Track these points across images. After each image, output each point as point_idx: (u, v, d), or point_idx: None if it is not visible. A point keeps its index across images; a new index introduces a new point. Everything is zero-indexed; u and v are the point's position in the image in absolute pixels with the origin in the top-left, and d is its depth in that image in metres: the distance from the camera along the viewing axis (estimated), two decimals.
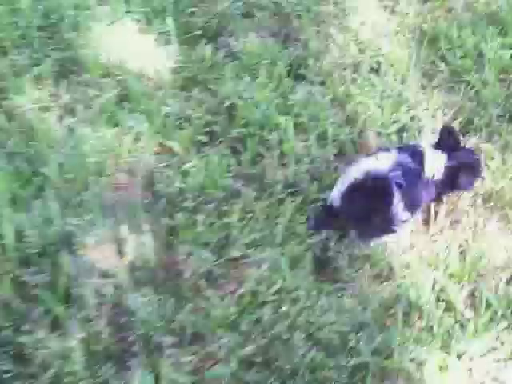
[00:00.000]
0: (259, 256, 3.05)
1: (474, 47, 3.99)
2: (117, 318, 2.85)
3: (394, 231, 3.05)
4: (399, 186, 2.92)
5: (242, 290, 2.95)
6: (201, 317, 2.85)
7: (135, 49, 3.85)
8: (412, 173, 2.97)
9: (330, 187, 3.15)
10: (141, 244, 3.05)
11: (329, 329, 2.83)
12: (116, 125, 3.50)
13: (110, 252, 3.03)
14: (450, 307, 2.95)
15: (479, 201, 3.30)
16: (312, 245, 3.10)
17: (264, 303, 2.92)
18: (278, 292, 2.94)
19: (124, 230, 3.07)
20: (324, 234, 3.12)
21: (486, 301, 2.94)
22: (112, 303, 2.88)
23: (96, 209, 3.14)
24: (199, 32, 4.03)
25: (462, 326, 2.88)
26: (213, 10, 4.15)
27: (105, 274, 2.95)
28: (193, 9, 4.13)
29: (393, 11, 4.26)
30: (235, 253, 3.07)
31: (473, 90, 3.80)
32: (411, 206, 3.00)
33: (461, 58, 3.93)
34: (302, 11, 4.15)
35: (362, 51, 3.97)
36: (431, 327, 2.88)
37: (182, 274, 3.00)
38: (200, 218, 3.14)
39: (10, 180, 3.21)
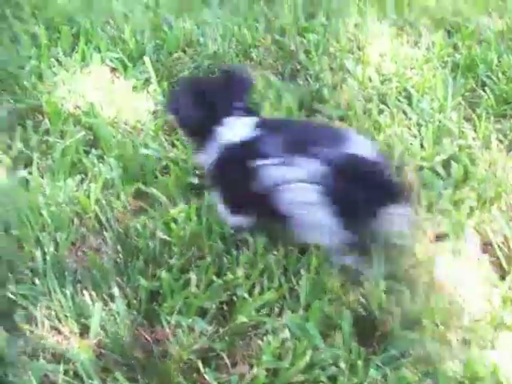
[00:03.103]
0: (276, 322, 2.14)
1: None
2: None
3: None
4: None
5: (255, 371, 2.04)
6: None
7: (107, 94, 3.18)
8: None
9: None
10: (111, 315, 2.14)
11: None
12: (81, 173, 2.65)
13: (68, 327, 2.19)
14: None
15: None
16: (350, 302, 2.19)
17: None
18: (308, 368, 2.03)
19: (88, 297, 2.20)
20: (365, 286, 2.23)
21: None
22: None
23: (51, 272, 2.31)
24: (186, 74, 3.28)
25: None
26: (203, 53, 3.41)
27: (58, 357, 2.10)
28: (179, 53, 3.41)
29: (416, 44, 3.52)
30: (242, 320, 2.14)
31: None
32: None
33: (506, 84, 3.18)
34: (309, 47, 3.40)
35: (385, 83, 3.19)
36: None
37: (169, 354, 2.07)
38: (192, 277, 2.24)
39: None
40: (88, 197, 2.58)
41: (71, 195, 2.59)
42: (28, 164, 2.80)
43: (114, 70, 3.38)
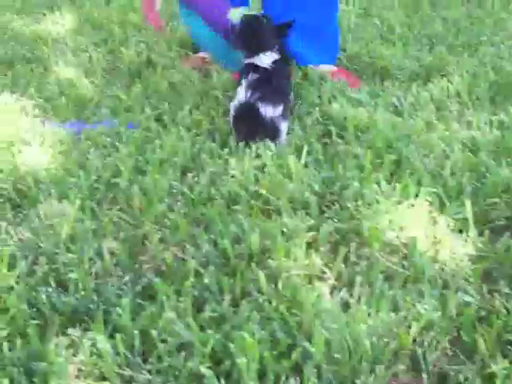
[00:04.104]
0: None
1: None
2: None
3: None
4: None
5: None
6: None
7: (426, 229, 3.30)
8: None
9: None
10: None
11: None
12: (400, 309, 2.79)
13: None
14: None
15: None
16: None
17: None
18: None
19: None
20: None
21: None
22: None
23: None
24: (502, 223, 3.34)
25: None
26: None
27: None
28: (495, 199, 3.48)
29: None
30: None
31: None
32: None
33: None
34: None
35: None
36: None
37: None
38: None
39: (262, 348, 2.58)
40: (408, 334, 2.69)
41: (391, 329, 2.71)
42: (349, 286, 2.97)
43: (431, 203, 3.49)
